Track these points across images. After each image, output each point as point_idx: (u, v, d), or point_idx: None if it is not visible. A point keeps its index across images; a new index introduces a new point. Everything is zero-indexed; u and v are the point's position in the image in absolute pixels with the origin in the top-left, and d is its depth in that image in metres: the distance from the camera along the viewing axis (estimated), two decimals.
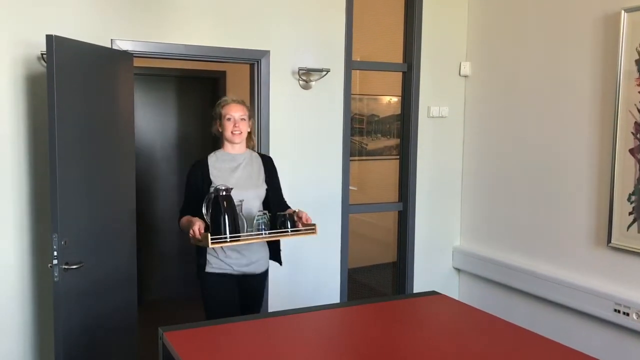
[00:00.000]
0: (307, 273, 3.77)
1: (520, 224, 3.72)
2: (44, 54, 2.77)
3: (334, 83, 3.73)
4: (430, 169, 4.11)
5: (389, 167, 4.19)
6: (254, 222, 2.76)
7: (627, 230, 3.01)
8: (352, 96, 3.85)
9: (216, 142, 5.62)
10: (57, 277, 2.62)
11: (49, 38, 2.56)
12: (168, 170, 5.52)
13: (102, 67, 2.99)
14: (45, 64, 2.77)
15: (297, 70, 3.59)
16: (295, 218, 2.81)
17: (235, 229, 2.63)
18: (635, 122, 2.95)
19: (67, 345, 2.70)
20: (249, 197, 2.86)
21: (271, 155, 3.31)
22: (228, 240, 2.57)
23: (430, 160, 4.10)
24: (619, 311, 3.02)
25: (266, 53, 3.51)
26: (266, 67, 3.52)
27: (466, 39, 4.12)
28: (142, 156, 5.27)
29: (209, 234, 2.52)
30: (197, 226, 2.63)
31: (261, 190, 2.94)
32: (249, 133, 3.01)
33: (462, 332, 2.05)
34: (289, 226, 2.79)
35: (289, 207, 3.04)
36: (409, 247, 4.09)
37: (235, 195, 2.73)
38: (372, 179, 4.35)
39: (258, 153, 3.08)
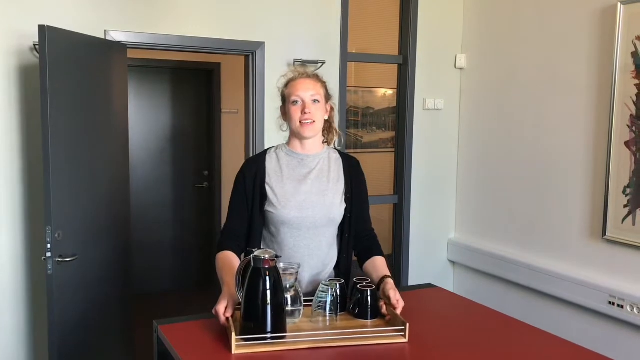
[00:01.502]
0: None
1: (515, 217, 3.72)
2: (37, 44, 2.74)
3: (330, 75, 3.70)
4: (426, 162, 4.10)
5: (384, 160, 4.18)
6: (315, 298, 1.88)
7: (622, 223, 3.01)
8: (348, 88, 3.83)
9: (211, 132, 5.65)
10: (51, 270, 2.60)
11: (42, 28, 2.53)
12: (162, 163, 5.50)
13: (96, 58, 2.96)
14: (37, 55, 2.75)
15: (292, 62, 3.57)
16: (380, 296, 1.92)
17: (279, 324, 1.71)
18: (631, 115, 2.95)
19: (61, 338, 2.69)
20: (319, 223, 2.03)
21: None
22: (268, 338, 1.68)
23: (426, 153, 4.09)
24: (613, 303, 3.03)
25: (261, 44, 3.49)
26: (261, 58, 3.50)
27: (462, 31, 4.11)
28: (136, 148, 5.25)
29: (234, 331, 1.67)
30: (222, 307, 1.75)
31: (336, 212, 2.06)
32: (329, 122, 2.13)
33: (457, 325, 2.05)
34: (369, 311, 1.87)
35: (374, 238, 2.20)
36: (404, 240, 4.09)
37: (299, 221, 1.96)
38: (367, 172, 4.32)
39: (339, 151, 2.18)
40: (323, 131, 2.13)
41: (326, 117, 2.09)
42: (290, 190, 2.01)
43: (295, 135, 2.06)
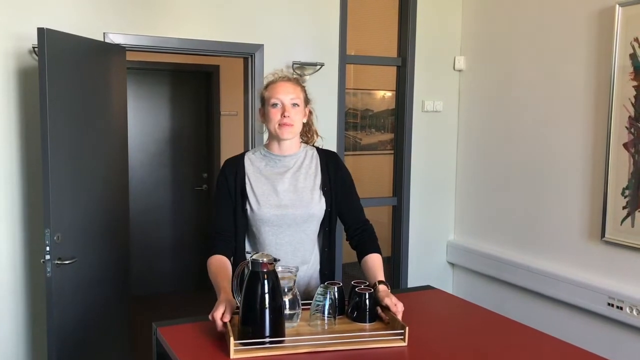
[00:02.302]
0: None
1: (514, 219, 3.73)
2: (36, 47, 2.75)
3: (328, 77, 3.71)
4: (425, 164, 4.10)
5: (383, 162, 4.19)
6: (313, 301, 1.86)
7: (621, 224, 3.02)
8: (347, 90, 3.84)
9: (210, 135, 5.66)
10: (50, 273, 2.60)
11: (41, 31, 2.53)
12: (161, 165, 5.51)
13: (95, 61, 2.97)
14: (36, 58, 2.75)
15: (291, 64, 3.57)
16: (381, 302, 1.89)
17: (278, 328, 1.70)
18: (629, 117, 2.96)
19: (60, 341, 2.69)
20: (299, 220, 2.05)
21: None
22: (267, 342, 1.66)
23: (425, 155, 4.09)
24: (612, 305, 3.03)
25: (260, 47, 3.49)
26: (260, 61, 3.50)
27: (460, 33, 4.11)
28: (135, 150, 5.25)
29: (232, 335, 1.64)
30: (220, 312, 1.73)
31: (316, 207, 2.07)
32: (308, 125, 2.17)
33: (456, 327, 2.05)
34: (368, 315, 1.86)
35: (368, 232, 2.18)
36: (403, 242, 4.09)
37: (279, 219, 1.99)
38: (366, 174, 4.34)
39: (317, 149, 2.19)
40: (302, 135, 2.16)
41: (304, 120, 2.12)
42: (268, 189, 2.05)
43: (273, 137, 2.08)
